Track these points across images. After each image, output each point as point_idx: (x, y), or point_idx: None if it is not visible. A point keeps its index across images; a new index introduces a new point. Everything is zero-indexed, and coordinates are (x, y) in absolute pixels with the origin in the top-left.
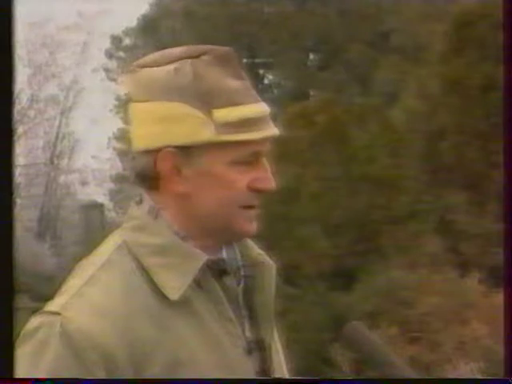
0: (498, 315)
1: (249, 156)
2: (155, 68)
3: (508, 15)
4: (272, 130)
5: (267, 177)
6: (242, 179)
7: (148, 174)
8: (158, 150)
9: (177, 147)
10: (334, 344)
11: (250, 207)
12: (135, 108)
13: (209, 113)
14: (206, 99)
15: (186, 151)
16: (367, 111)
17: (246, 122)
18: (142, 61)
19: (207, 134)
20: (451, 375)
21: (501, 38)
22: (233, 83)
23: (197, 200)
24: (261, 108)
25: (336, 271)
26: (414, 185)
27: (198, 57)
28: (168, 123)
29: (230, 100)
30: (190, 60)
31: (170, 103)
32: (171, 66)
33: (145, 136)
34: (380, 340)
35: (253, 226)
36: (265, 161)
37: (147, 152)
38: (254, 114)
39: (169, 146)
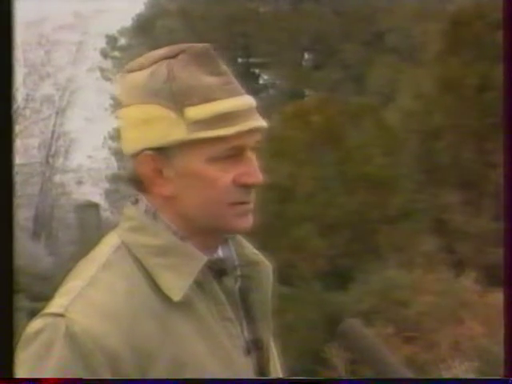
0: (493, 314)
1: (228, 151)
2: (138, 72)
3: (507, 15)
4: (255, 123)
5: (252, 171)
6: (224, 176)
7: (136, 177)
8: (138, 154)
9: (154, 149)
10: (329, 344)
11: (241, 203)
12: (121, 113)
13: (181, 112)
14: (179, 99)
15: (163, 153)
16: (362, 111)
17: (220, 118)
18: (129, 65)
19: (179, 133)
20: (446, 374)
21: (496, 37)
22: (208, 80)
23: (184, 201)
24: (240, 102)
25: (331, 271)
26: (409, 184)
27: (175, 56)
28: (144, 126)
29: (202, 97)
30: (166, 61)
31: (145, 106)
32: (150, 69)
33: (128, 140)
34: (376, 338)
35: (246, 222)
36: (250, 154)
37: (132, 156)
38: (228, 108)
39: (146, 149)
